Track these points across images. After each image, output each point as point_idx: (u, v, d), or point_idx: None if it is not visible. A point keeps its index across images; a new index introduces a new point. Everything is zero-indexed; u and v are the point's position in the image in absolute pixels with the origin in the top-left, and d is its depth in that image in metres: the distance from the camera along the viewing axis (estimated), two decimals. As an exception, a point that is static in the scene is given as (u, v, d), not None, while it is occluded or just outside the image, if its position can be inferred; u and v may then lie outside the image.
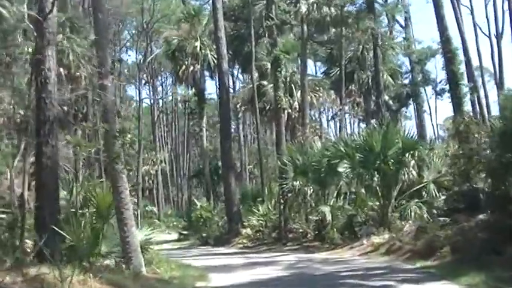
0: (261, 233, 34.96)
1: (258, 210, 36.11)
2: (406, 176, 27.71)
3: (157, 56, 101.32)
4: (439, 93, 62.81)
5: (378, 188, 27.75)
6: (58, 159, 16.29)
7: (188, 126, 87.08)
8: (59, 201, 16.61)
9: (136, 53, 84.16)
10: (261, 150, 43.11)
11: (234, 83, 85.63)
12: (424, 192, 27.72)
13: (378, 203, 27.99)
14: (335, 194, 31.80)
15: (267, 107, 44.53)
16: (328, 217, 29.31)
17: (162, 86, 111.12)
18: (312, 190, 31.95)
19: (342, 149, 28.19)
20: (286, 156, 32.54)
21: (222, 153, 39.66)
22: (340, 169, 29.11)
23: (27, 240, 15.36)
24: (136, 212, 67.26)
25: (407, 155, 27.46)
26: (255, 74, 43.25)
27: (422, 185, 27.71)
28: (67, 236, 15.60)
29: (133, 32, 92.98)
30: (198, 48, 48.47)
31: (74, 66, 33.66)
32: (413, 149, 27.50)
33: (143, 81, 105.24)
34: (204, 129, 51.58)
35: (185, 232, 45.60)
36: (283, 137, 34.12)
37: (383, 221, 26.61)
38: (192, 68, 48.71)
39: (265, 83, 44.17)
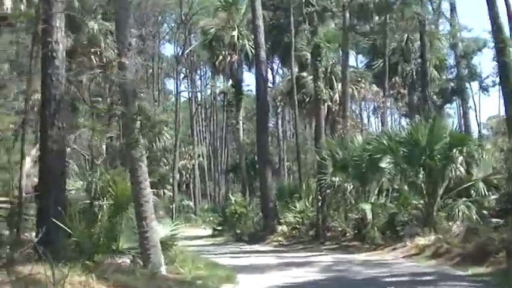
0: (298, 230, 33.37)
1: (295, 206, 34.49)
2: (453, 173, 25.83)
3: (196, 49, 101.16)
4: (485, 89, 60.76)
5: (422, 185, 25.93)
6: (65, 143, 14.76)
7: (226, 120, 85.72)
8: (65, 190, 15.15)
9: (175, 45, 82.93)
10: (299, 144, 41.40)
11: (273, 77, 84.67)
12: (472, 191, 25.91)
13: (422, 202, 26.23)
14: (376, 191, 30.17)
15: (306, 100, 42.76)
16: (369, 215, 27.62)
17: (201, 80, 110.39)
18: (351, 186, 30.29)
19: (385, 142, 26.34)
20: (325, 151, 30.81)
21: (259, 146, 38.02)
22: (383, 164, 27.50)
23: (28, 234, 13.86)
24: (172, 206, 67.09)
25: (454, 150, 25.57)
26: (295, 69, 41.65)
27: (470, 183, 25.88)
28: (69, 230, 14.04)
29: (172, 24, 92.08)
30: (236, 38, 46.98)
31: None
32: (462, 144, 25.62)
33: (182, 75, 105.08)
34: (241, 122, 50.02)
35: (219, 228, 44.13)
36: (322, 130, 32.33)
37: (428, 221, 24.82)
38: (229, 58, 47.21)
39: (304, 74, 42.44)
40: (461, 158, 26.09)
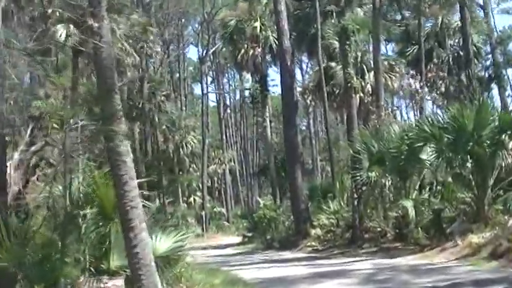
0: (333, 233, 30.49)
1: (329, 207, 31.59)
2: (504, 160, 22.67)
3: (222, 52, 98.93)
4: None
5: (470, 176, 22.85)
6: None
7: (255, 120, 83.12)
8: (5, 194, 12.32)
9: (198, 46, 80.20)
10: (330, 139, 38.41)
11: (302, 74, 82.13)
12: (526, 180, 22.84)
13: (470, 195, 23.16)
14: (417, 186, 27.12)
15: (336, 92, 39.80)
16: (411, 213, 24.58)
17: (229, 82, 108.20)
18: (390, 182, 27.31)
19: (427, 129, 23.20)
20: (359, 143, 27.76)
21: (286, 142, 35.03)
22: (423, 156, 24.55)
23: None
24: (202, 214, 64.61)
25: (504, 135, 22.42)
26: (323, 59, 38.68)
27: (524, 171, 22.74)
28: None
29: (196, 26, 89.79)
30: (258, 29, 44.15)
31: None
32: (514, 126, 22.39)
33: (209, 79, 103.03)
34: (268, 120, 47.00)
35: (249, 234, 41.24)
36: (355, 120, 29.27)
37: (479, 216, 21.80)
38: (252, 51, 44.35)
39: (333, 64, 39.44)
40: (511, 143, 22.93)
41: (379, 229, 27.44)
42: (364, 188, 27.95)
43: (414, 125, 26.91)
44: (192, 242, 43.91)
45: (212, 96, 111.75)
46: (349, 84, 28.99)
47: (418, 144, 23.61)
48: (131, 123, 58.92)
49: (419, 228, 24.24)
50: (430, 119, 24.25)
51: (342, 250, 27.07)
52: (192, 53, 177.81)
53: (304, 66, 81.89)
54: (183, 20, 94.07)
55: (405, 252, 22.69)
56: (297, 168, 33.40)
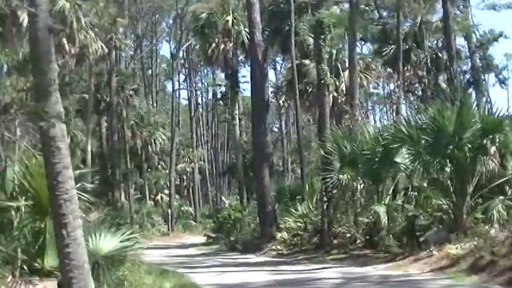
0: (300, 237, 28.85)
1: (297, 210, 29.95)
2: (485, 166, 21.23)
3: (196, 50, 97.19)
4: (502, 81, 56.68)
5: (449, 181, 21.37)
6: None
7: (226, 119, 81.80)
8: None
9: (170, 42, 78.44)
10: (300, 138, 36.85)
11: (276, 74, 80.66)
12: (507, 188, 21.51)
13: (447, 202, 21.66)
14: (391, 191, 25.85)
15: (309, 90, 38.33)
16: (384, 219, 23.31)
17: (201, 81, 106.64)
18: (362, 185, 25.93)
19: (404, 129, 21.66)
20: (330, 144, 26.20)
21: (255, 141, 33.37)
22: (398, 159, 23.29)
23: None
24: (169, 212, 62.90)
25: (486, 139, 20.95)
26: (295, 57, 37.17)
27: (506, 178, 21.26)
28: None
29: (170, 22, 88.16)
30: (230, 23, 42.43)
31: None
32: (498, 130, 20.90)
33: (182, 77, 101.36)
34: (237, 118, 45.28)
35: (213, 235, 39.57)
36: (327, 120, 27.63)
37: (456, 225, 20.37)
38: (223, 46, 42.58)
39: (307, 62, 37.88)
40: (494, 148, 21.47)
41: (348, 235, 26.12)
42: (334, 191, 26.54)
43: (390, 125, 25.42)
44: (157, 240, 42.47)
45: (184, 95, 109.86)
46: (322, 81, 27.34)
47: (394, 146, 22.15)
48: (98, 116, 57.22)
49: (391, 236, 22.97)
50: (407, 119, 22.69)
51: (308, 255, 25.52)
52: (166, 50, 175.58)
53: (278, 67, 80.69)
54: (156, 16, 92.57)
55: (376, 260, 21.24)
56: (264, 167, 31.77)
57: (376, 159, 24.19)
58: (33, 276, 11.47)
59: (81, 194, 11.29)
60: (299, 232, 29.00)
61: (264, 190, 31.53)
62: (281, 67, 77.41)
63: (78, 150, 57.54)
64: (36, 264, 11.69)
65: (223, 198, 44.72)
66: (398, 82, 25.80)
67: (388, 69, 27.05)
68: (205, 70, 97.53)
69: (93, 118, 59.56)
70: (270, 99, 49.85)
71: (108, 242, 12.26)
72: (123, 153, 59.01)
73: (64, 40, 31.59)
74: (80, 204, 11.69)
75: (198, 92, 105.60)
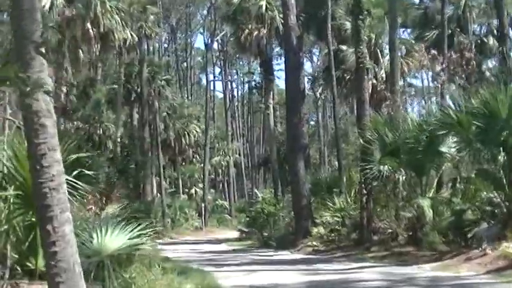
0: (337, 233, 27.03)
1: (334, 203, 28.00)
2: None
3: (231, 42, 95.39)
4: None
5: (502, 171, 19.32)
6: None
7: (260, 109, 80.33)
8: None
9: (204, 32, 76.82)
10: (337, 128, 34.90)
11: (312, 66, 78.67)
12: None
13: (500, 194, 19.66)
14: (435, 183, 24.06)
15: (347, 77, 36.36)
16: (428, 213, 21.36)
17: (237, 73, 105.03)
18: (404, 177, 23.91)
19: (452, 114, 19.64)
20: (370, 132, 24.26)
21: (289, 130, 31.47)
22: (444, 148, 21.73)
23: None
24: (202, 206, 61.38)
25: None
26: (331, 42, 35.17)
27: None
28: None
29: (205, 13, 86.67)
30: (264, 9, 40.50)
31: None
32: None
33: (218, 70, 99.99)
34: (271, 107, 43.35)
35: (247, 230, 37.86)
36: (366, 107, 25.57)
37: (510, 220, 18.25)
38: (256, 32, 40.66)
39: (344, 47, 35.95)
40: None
41: (389, 230, 24.14)
42: (374, 183, 24.55)
43: (435, 111, 23.43)
44: (189, 235, 40.89)
45: (220, 88, 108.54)
46: (361, 65, 25.32)
47: (441, 132, 20.19)
48: (129, 108, 55.79)
49: (436, 232, 21.18)
50: (456, 103, 20.58)
51: (346, 252, 23.76)
52: (201, 43, 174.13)
53: (315, 59, 78.75)
54: (191, 8, 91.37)
55: (420, 259, 19.37)
56: (299, 158, 29.90)
57: (420, 149, 22.48)
58: (24, 279, 9.87)
59: (75, 183, 9.53)
60: (336, 227, 27.23)
61: (299, 183, 29.70)
62: (318, 60, 75.57)
63: (110, 143, 56.41)
64: (29, 264, 10.09)
65: (256, 191, 42.79)
66: (444, 65, 23.80)
67: (433, 51, 25.07)
68: (240, 62, 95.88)
69: (124, 110, 58.37)
70: (307, 91, 48.17)
71: (116, 239, 10.60)
72: (155, 145, 57.55)
73: (88, 25, 30.13)
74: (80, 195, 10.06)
75: (234, 85, 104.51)
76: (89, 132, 60.06)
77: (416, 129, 22.86)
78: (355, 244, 24.70)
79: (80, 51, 31.06)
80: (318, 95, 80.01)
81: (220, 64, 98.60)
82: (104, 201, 18.46)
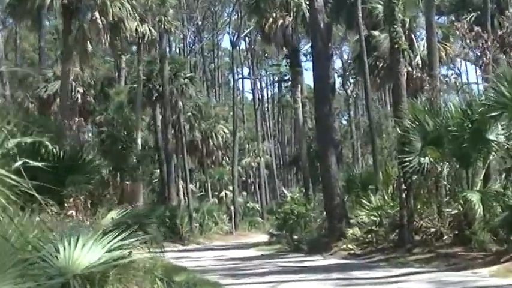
0: (374, 234, 24.29)
1: (370, 201, 25.18)
2: None
3: (259, 41, 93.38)
4: None
5: None
6: None
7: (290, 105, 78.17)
8: None
9: (230, 29, 74.58)
10: (372, 120, 32.23)
11: (342, 59, 76.18)
12: None
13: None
14: (482, 175, 21.19)
15: (380, 65, 33.75)
16: (478, 209, 18.70)
17: (266, 72, 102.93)
18: (448, 169, 21.37)
19: (505, 91, 16.97)
20: (409, 120, 21.61)
21: (318, 121, 28.75)
22: (491, 136, 19.37)
23: None
24: (232, 209, 59.10)
25: None
26: (362, 26, 32.58)
27: None
28: None
29: (230, 10, 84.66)
30: (290, -4, 38.15)
31: None
32: None
33: (246, 71, 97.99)
34: (300, 101, 40.72)
35: (276, 233, 35.34)
36: (403, 92, 22.71)
37: None
38: (281, 21, 38.20)
39: (376, 33, 33.34)
40: None
41: (433, 229, 21.51)
42: (415, 177, 21.89)
43: (482, 94, 20.81)
44: (219, 240, 38.58)
45: (249, 88, 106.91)
46: (396, 46, 22.62)
47: (493, 114, 17.53)
48: (152, 108, 53.62)
49: (485, 230, 18.71)
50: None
51: (386, 256, 21.10)
52: (228, 43, 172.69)
53: (345, 56, 76.32)
54: (216, 6, 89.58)
55: (473, 262, 16.82)
56: (330, 153, 27.24)
57: (465, 137, 19.86)
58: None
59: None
60: (373, 228, 24.55)
61: (331, 180, 27.02)
62: (348, 57, 73.06)
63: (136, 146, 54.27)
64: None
65: (284, 190, 40.09)
66: (489, 43, 21.19)
67: (476, 28, 22.49)
68: (269, 62, 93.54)
69: (146, 110, 56.26)
70: (337, 89, 45.85)
71: (89, 252, 8.13)
72: (180, 146, 55.37)
73: (96, 14, 27.93)
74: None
75: (263, 85, 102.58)
76: (113, 136, 58.29)
77: (461, 115, 20.31)
78: (395, 246, 22.05)
79: (88, 43, 28.80)
80: (349, 93, 77.92)
81: (248, 64, 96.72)
82: (89, 205, 16.00)
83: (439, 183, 22.07)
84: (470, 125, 19.95)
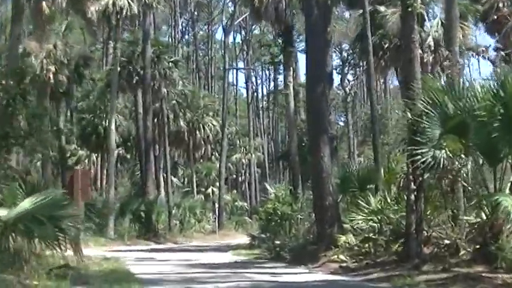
0: (373, 243, 19.71)
1: (368, 203, 20.62)
2: None
3: (255, 35, 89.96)
4: None
5: None
6: None
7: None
8: None
9: (223, 16, 70.27)
10: (374, 106, 27.65)
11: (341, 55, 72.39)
12: None
13: None
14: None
15: (385, 46, 29.41)
16: (508, 216, 14.61)
17: (263, 70, 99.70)
18: (471, 165, 17.08)
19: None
20: (423, 102, 16.97)
21: (310, 105, 23.80)
22: None
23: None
24: (217, 206, 54.95)
25: None
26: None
27: None
28: None
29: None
30: (283, -33, 33.82)
31: None
32: None
33: (241, 64, 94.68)
34: (291, 87, 36.09)
35: (258, 235, 30.96)
36: (416, 68, 17.87)
37: None
38: (273, -5, 33.98)
39: (382, 8, 28.97)
40: None
41: (446, 241, 17.18)
42: (426, 175, 17.32)
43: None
44: (199, 240, 34.22)
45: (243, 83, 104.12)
46: (408, 8, 17.95)
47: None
48: (133, 93, 49.39)
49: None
50: None
51: (387, 272, 16.51)
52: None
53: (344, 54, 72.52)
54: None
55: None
56: (323, 143, 22.42)
57: (496, 125, 15.51)
58: None
59: None
60: (371, 235, 19.96)
61: (322, 174, 22.18)
62: (349, 56, 69.03)
63: (117, 135, 50.36)
64: None
65: (267, 185, 35.48)
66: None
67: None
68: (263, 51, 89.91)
69: (127, 96, 52.27)
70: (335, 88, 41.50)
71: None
72: (162, 136, 51.13)
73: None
74: None
75: (258, 81, 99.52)
76: (93, 123, 54.23)
77: (490, 98, 15.81)
78: (399, 260, 17.40)
79: (43, 3, 24.34)
80: (348, 91, 74.48)
81: (243, 56, 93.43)
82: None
83: (455, 184, 17.54)
84: (502, 110, 15.50)
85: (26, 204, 12.35)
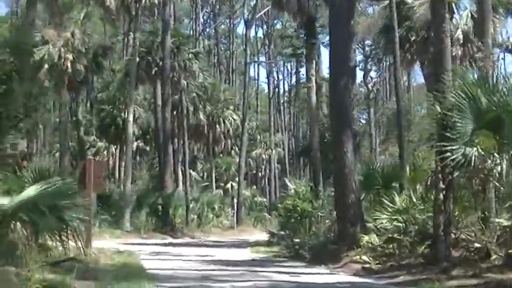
0: (397, 243, 18.71)
1: (393, 202, 19.67)
2: None
3: (277, 30, 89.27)
4: None
5: None
6: None
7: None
8: None
9: (244, 8, 69.02)
10: (399, 99, 26.53)
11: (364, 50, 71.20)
12: None
13: None
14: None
15: (412, 39, 28.37)
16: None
17: (284, 63, 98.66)
18: (504, 164, 15.61)
19: None
20: (454, 95, 15.95)
21: (332, 98, 22.81)
22: None
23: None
24: (235, 201, 54.10)
25: None
26: None
27: None
28: None
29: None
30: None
31: None
32: None
33: (263, 58, 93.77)
34: (314, 79, 35.02)
35: (277, 232, 30.03)
36: (447, 58, 16.98)
37: None
38: (295, -16, 33.02)
39: (409, 0, 27.92)
40: None
41: (476, 245, 16.16)
42: (456, 173, 16.30)
43: None
44: (217, 235, 33.47)
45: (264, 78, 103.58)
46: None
47: None
48: (152, 85, 48.64)
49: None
50: None
51: (413, 276, 15.56)
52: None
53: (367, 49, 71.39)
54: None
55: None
56: (346, 138, 21.44)
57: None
58: None
59: None
60: (396, 236, 18.94)
61: (345, 170, 21.20)
62: (372, 51, 67.91)
63: (136, 127, 49.82)
64: None
65: (287, 181, 34.49)
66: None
67: None
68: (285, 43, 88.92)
69: (146, 87, 51.64)
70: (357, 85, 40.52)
71: None
72: (182, 129, 50.32)
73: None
74: None
75: (280, 77, 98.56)
76: (112, 115, 53.70)
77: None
78: (426, 262, 16.46)
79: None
80: (370, 87, 73.62)
81: (265, 50, 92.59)
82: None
83: (487, 183, 16.46)
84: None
85: (31, 192, 11.60)
